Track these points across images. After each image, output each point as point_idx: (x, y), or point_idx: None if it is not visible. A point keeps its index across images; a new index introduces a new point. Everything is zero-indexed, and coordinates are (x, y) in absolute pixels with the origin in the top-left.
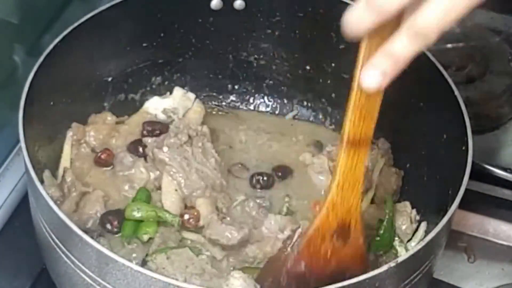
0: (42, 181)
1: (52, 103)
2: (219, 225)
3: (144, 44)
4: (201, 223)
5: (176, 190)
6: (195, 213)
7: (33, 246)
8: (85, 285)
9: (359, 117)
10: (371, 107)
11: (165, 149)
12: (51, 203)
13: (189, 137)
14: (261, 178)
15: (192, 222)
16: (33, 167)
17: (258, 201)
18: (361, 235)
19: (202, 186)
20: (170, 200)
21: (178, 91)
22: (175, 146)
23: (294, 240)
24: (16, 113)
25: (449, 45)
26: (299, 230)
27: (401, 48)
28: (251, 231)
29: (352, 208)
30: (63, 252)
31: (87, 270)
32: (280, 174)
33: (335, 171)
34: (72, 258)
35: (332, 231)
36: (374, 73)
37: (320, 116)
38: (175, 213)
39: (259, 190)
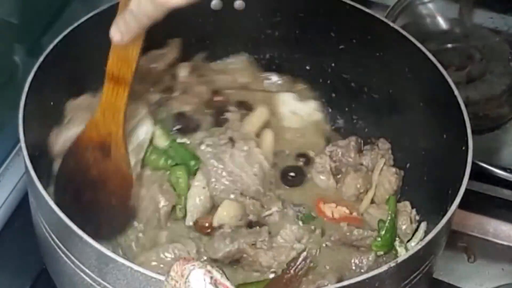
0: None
1: (52, 103)
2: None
3: (145, 45)
4: (215, 223)
5: (204, 187)
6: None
7: (33, 246)
8: (85, 285)
9: (117, 59)
10: (127, 54)
11: (203, 147)
12: (51, 203)
13: (231, 139)
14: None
15: (204, 228)
16: (33, 167)
17: (295, 209)
18: (124, 159)
19: (231, 189)
20: (197, 195)
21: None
22: (213, 146)
23: (298, 263)
24: (16, 113)
25: (449, 45)
26: (304, 253)
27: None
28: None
29: (113, 133)
30: (63, 252)
31: (87, 270)
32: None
33: (100, 97)
34: (72, 258)
35: (93, 144)
36: (115, 30)
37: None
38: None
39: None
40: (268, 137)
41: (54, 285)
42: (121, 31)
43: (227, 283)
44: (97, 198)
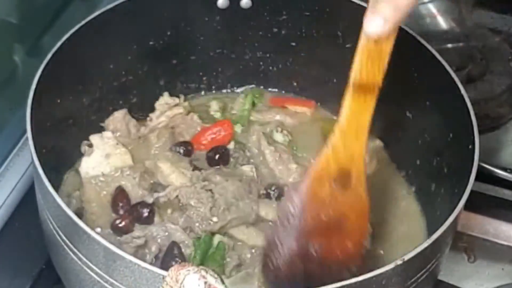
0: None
1: (59, 100)
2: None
3: (151, 43)
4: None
5: None
6: None
7: (34, 246)
8: (92, 282)
9: (366, 60)
10: (380, 52)
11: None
12: (59, 200)
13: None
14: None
15: None
16: (40, 164)
17: None
18: (363, 187)
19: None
20: None
21: None
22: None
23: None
24: (16, 113)
25: (449, 45)
26: None
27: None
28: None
29: (355, 156)
30: (71, 249)
31: (94, 267)
32: None
33: (340, 114)
34: (80, 255)
35: (332, 177)
36: (376, 19)
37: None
38: None
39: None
40: None
41: (55, 284)
42: (384, 17)
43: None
44: (329, 247)
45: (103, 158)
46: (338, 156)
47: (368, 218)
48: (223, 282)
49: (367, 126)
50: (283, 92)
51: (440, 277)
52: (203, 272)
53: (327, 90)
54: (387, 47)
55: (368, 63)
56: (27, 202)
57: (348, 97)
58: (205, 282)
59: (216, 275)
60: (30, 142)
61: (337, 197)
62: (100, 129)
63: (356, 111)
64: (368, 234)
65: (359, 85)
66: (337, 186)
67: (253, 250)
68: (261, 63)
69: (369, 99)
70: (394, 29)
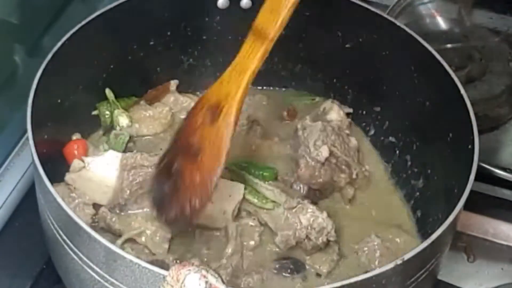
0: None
1: (59, 100)
2: None
3: (151, 43)
4: None
5: None
6: None
7: (33, 246)
8: (93, 281)
9: (267, 7)
10: (280, 4)
11: None
12: (59, 200)
13: None
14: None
15: None
16: (41, 163)
17: None
18: (228, 128)
19: None
20: None
21: None
22: None
23: None
24: (17, 113)
25: (449, 45)
26: None
27: None
28: None
29: (231, 94)
30: (71, 249)
31: (95, 267)
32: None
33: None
34: (80, 254)
35: (207, 106)
36: None
37: None
38: None
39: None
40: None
41: (55, 284)
42: None
43: (222, 287)
44: (187, 167)
45: (86, 181)
46: (219, 89)
47: (223, 160)
48: (223, 282)
49: (250, 70)
50: (283, 89)
51: (439, 277)
52: (204, 272)
53: (327, 89)
54: (289, 3)
55: (266, 13)
56: (28, 202)
57: (246, 39)
58: (206, 282)
59: (216, 275)
60: (31, 142)
61: (204, 127)
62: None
63: (246, 54)
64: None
65: (255, 29)
66: (207, 117)
67: None
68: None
69: (260, 46)
70: None
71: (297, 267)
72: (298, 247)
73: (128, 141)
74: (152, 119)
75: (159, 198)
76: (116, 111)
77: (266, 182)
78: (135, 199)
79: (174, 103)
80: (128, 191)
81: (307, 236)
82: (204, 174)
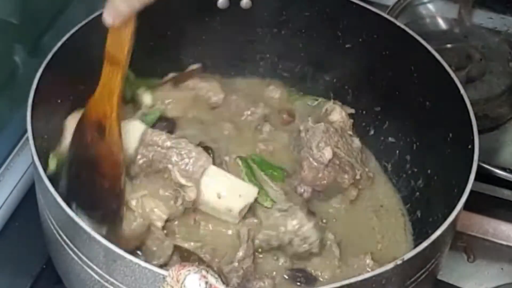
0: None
1: (59, 100)
2: None
3: (151, 43)
4: None
5: None
6: None
7: (33, 246)
8: (93, 281)
9: (112, 41)
10: (121, 36)
11: None
12: (59, 200)
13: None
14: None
15: None
16: (41, 163)
17: None
18: (115, 143)
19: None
20: None
21: None
22: None
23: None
24: (17, 113)
25: (448, 45)
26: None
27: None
28: None
29: (107, 114)
30: (71, 249)
31: (95, 267)
32: None
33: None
34: (80, 254)
35: (92, 123)
36: (107, 14)
37: None
38: None
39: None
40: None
41: (55, 284)
42: (112, 15)
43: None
44: (92, 179)
45: None
46: (96, 107)
47: (123, 170)
48: (223, 282)
49: (116, 93)
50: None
51: (439, 277)
52: (203, 272)
53: (327, 90)
54: (127, 34)
55: (113, 43)
56: (28, 202)
57: (104, 65)
58: (206, 282)
59: (216, 275)
60: (31, 142)
61: (97, 142)
62: None
63: (106, 77)
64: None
65: (108, 56)
66: (95, 133)
67: None
68: (261, 63)
69: (116, 71)
70: (127, 21)
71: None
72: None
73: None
74: (176, 101)
75: (84, 202)
76: (140, 89)
77: (273, 182)
78: (145, 175)
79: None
80: (138, 165)
81: (289, 242)
82: (110, 184)
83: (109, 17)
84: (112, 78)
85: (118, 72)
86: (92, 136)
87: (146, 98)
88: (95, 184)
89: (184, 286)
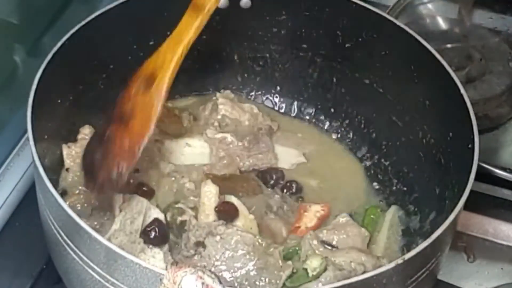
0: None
1: (59, 100)
2: None
3: (151, 43)
4: None
5: None
6: None
7: (33, 246)
8: (93, 281)
9: None
10: None
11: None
12: (60, 200)
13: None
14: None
15: None
16: (41, 163)
17: None
18: (159, 97)
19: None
20: None
21: None
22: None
23: None
24: (17, 113)
25: (448, 45)
26: None
27: None
28: None
29: (165, 63)
30: (71, 249)
31: (95, 267)
32: None
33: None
34: (81, 254)
35: (144, 75)
36: None
37: (325, 113)
38: None
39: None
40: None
41: (55, 284)
42: None
43: None
44: (117, 134)
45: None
46: (156, 59)
47: (152, 127)
48: (220, 282)
49: (186, 40)
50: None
51: (439, 277)
52: (200, 273)
53: (327, 88)
54: None
55: None
56: (28, 202)
57: (186, 12)
58: (203, 283)
59: (213, 276)
60: (31, 142)
61: (137, 95)
62: None
63: (184, 26)
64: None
65: (194, 3)
66: (142, 85)
67: None
68: (261, 63)
69: (198, 18)
70: None
71: None
72: None
73: None
74: None
75: (89, 164)
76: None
77: None
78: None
79: None
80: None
81: None
82: (133, 140)
83: None
84: (187, 26)
85: (196, 19)
86: (138, 89)
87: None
88: (115, 143)
89: (181, 287)
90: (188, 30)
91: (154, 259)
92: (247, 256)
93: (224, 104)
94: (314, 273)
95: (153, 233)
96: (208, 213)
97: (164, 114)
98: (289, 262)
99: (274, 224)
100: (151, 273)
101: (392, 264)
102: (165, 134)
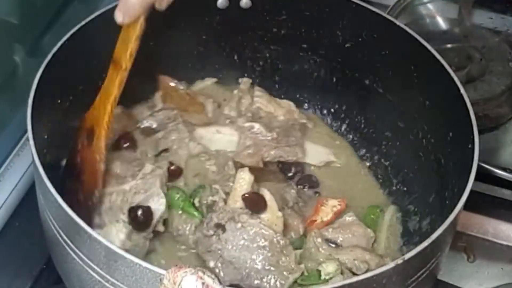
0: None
1: (59, 100)
2: None
3: (151, 43)
4: None
5: None
6: None
7: (33, 246)
8: (93, 281)
9: (120, 42)
10: (128, 36)
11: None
12: (60, 200)
13: (218, 225)
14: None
15: None
16: (41, 163)
17: None
18: (98, 151)
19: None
20: None
21: None
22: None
23: None
24: (17, 113)
25: (448, 45)
26: None
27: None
28: None
29: (100, 118)
30: (71, 249)
31: (95, 267)
32: None
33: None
34: (81, 254)
35: (85, 129)
36: (118, 11)
37: (325, 113)
38: None
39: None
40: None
41: (55, 284)
42: (123, 13)
43: None
44: (75, 185)
45: None
46: (92, 113)
47: (100, 184)
48: (220, 283)
49: (112, 97)
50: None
51: (439, 277)
52: (200, 273)
53: (327, 88)
54: (133, 35)
55: (120, 45)
56: (28, 202)
57: (109, 68)
58: (203, 283)
59: (213, 276)
60: (31, 142)
61: (83, 150)
62: None
63: (108, 81)
64: None
65: (114, 59)
66: (85, 138)
67: None
68: (260, 63)
69: (118, 75)
70: (135, 21)
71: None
72: None
73: None
74: None
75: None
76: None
77: None
78: None
79: None
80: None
81: None
82: (86, 195)
83: (120, 14)
84: (111, 82)
85: (117, 75)
86: (82, 142)
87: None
88: (75, 193)
89: (181, 287)
90: (113, 87)
91: (116, 234)
92: (261, 251)
93: (260, 97)
94: (327, 277)
95: (139, 213)
96: (236, 200)
97: (188, 103)
98: (302, 266)
99: (291, 220)
100: (151, 273)
101: (392, 264)
102: (188, 124)
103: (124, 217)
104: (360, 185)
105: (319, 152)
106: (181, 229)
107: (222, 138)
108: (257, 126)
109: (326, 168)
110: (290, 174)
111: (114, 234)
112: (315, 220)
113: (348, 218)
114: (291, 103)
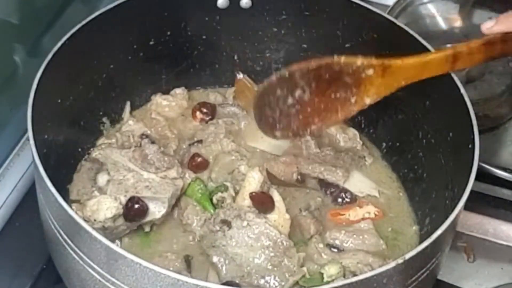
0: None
1: (59, 100)
2: None
3: (151, 43)
4: None
5: None
6: None
7: (34, 245)
8: (94, 281)
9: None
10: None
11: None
12: (60, 199)
13: (224, 222)
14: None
15: None
16: (42, 163)
17: None
18: (385, 89)
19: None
20: None
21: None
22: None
23: None
24: (17, 113)
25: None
26: None
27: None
28: None
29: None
30: (72, 249)
31: (95, 266)
32: None
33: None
34: (81, 254)
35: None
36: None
37: None
38: None
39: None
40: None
41: (55, 284)
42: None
43: None
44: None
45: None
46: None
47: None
48: None
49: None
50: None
51: (439, 277)
52: None
53: None
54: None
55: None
56: (28, 201)
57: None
58: None
59: None
60: (31, 141)
61: (371, 78)
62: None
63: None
64: None
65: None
66: (379, 70)
67: None
68: (261, 63)
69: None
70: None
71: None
72: None
73: None
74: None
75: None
76: None
77: None
78: None
79: None
80: None
81: None
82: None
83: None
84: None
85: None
86: (375, 72)
87: None
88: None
89: None
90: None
91: (107, 209)
92: (264, 250)
93: None
94: (330, 279)
95: (136, 206)
96: (245, 198)
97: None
98: (304, 268)
99: (303, 220)
100: (151, 272)
101: (393, 264)
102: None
103: (124, 199)
104: None
105: (365, 183)
106: (191, 219)
107: (272, 140)
108: (309, 139)
109: None
110: (328, 193)
111: (105, 208)
112: (342, 214)
113: (365, 225)
114: (357, 133)
